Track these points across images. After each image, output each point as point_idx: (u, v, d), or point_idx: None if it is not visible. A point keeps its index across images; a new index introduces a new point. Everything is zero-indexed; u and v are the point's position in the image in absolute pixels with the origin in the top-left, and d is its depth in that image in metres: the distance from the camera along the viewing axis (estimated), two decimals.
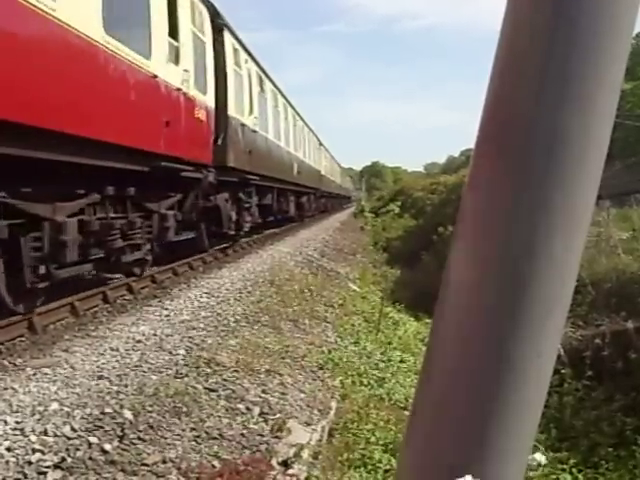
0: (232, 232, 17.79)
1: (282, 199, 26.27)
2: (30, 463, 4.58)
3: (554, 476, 7.23)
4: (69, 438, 5.01)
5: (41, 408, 5.55)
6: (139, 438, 5.14)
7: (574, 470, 7.57)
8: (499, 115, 1.26)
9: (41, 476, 4.45)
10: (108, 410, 5.59)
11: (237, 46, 17.75)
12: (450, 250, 1.40)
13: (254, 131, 19.15)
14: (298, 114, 32.34)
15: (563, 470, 7.47)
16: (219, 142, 15.29)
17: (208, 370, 6.95)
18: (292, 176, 27.31)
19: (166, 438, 5.22)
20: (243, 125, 17.68)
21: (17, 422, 5.22)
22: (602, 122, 1.20)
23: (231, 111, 16.26)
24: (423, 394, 1.46)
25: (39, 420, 5.29)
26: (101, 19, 8.39)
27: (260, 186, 20.47)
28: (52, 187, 8.33)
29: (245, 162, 17.66)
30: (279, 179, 23.58)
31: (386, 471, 5.77)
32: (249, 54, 19.51)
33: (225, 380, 6.71)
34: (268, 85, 23.24)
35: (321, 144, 46.13)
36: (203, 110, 13.82)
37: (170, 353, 7.53)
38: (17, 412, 5.45)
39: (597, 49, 1.15)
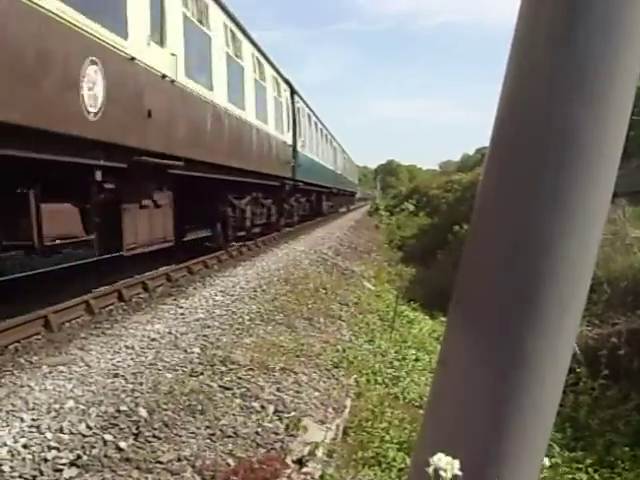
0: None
1: None
2: (46, 460, 4.60)
3: (570, 476, 7.20)
4: (84, 436, 5.03)
5: (57, 406, 5.58)
6: (154, 436, 5.16)
7: (590, 470, 7.53)
8: (514, 113, 1.25)
9: (57, 473, 4.46)
10: (123, 408, 5.61)
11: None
12: (465, 248, 1.39)
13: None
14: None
15: (579, 469, 7.44)
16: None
17: (223, 368, 6.96)
18: None
19: (181, 436, 5.23)
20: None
21: (33, 419, 5.25)
22: (617, 119, 1.18)
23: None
24: (438, 393, 1.45)
25: (55, 418, 5.32)
26: None
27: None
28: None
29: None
30: None
31: (400, 469, 5.74)
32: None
33: (240, 378, 6.72)
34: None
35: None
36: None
37: (185, 351, 7.55)
38: (33, 410, 5.48)
39: (612, 46, 1.14)
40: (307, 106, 32.19)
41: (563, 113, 1.17)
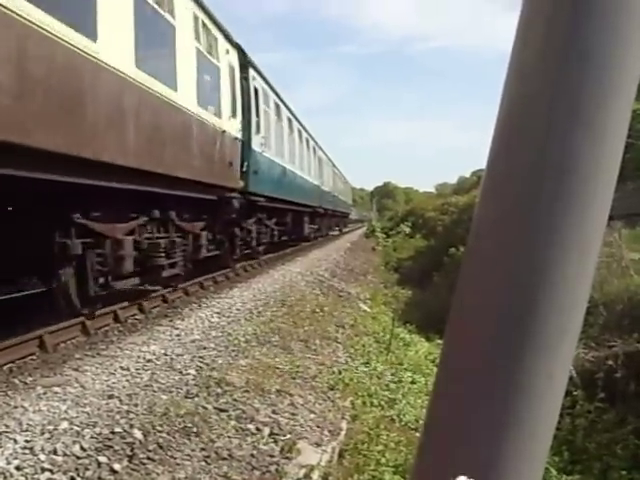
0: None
1: None
2: None
3: None
4: (78, 457, 5.00)
5: (51, 427, 5.54)
6: (148, 458, 5.13)
7: None
8: (511, 135, 1.26)
9: None
10: (118, 429, 5.58)
11: None
12: (460, 270, 1.40)
13: None
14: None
15: None
16: None
17: (218, 390, 6.93)
18: None
19: (175, 458, 5.21)
20: None
21: (27, 441, 5.22)
22: (613, 142, 1.19)
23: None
24: (434, 415, 1.45)
25: (49, 439, 5.28)
26: None
27: None
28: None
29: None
30: None
31: None
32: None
33: (235, 400, 6.69)
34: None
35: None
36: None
37: (180, 373, 7.53)
38: (27, 431, 5.45)
39: (609, 69, 1.15)
40: (274, 92, 22.56)
41: (559, 135, 1.17)
